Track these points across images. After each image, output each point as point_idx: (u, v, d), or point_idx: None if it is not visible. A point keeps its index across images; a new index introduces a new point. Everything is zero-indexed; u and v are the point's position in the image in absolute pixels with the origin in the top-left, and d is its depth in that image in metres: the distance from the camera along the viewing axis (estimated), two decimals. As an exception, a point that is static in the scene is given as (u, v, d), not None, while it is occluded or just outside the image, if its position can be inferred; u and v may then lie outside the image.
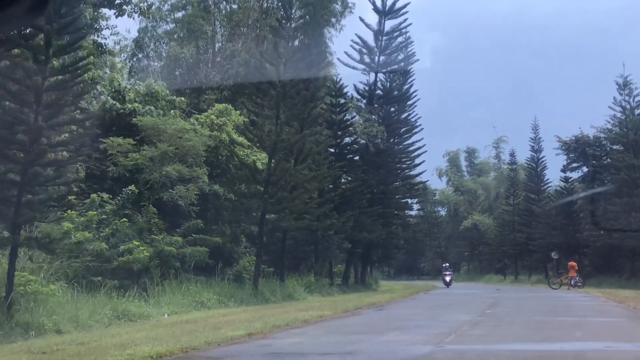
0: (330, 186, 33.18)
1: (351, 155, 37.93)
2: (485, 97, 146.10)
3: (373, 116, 38.48)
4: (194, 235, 25.89)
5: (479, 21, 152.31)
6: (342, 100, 36.34)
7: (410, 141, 43.70)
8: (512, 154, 73.18)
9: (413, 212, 66.05)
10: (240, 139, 28.22)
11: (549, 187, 64.72)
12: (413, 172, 44.53)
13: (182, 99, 29.40)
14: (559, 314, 19.36)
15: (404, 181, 44.29)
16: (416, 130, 43.78)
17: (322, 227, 31.11)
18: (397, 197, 40.84)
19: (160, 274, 22.08)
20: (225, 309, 21.80)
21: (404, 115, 43.59)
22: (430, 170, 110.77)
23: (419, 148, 43.89)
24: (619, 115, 45.20)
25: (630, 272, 47.89)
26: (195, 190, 26.23)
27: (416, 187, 46.19)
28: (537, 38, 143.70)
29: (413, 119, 43.90)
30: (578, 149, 54.97)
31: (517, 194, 69.58)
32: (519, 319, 17.84)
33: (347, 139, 37.23)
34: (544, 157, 64.87)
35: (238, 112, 30.70)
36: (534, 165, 65.42)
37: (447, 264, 49.02)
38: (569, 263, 42.26)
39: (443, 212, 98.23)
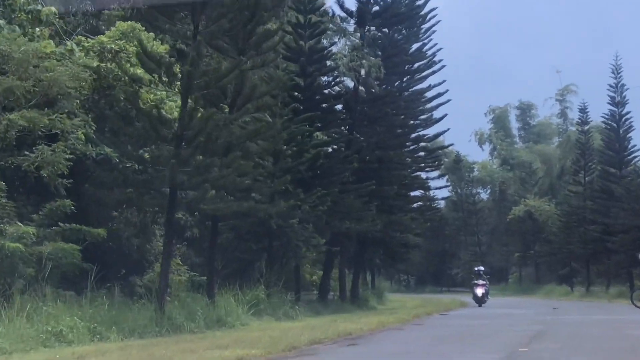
0: (294, 148, 29.76)
1: (330, 103, 34.26)
2: (547, 37, 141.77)
3: (365, 44, 34.97)
4: (62, 225, 22.69)
5: None
6: (316, 19, 32.68)
7: (424, 84, 40.27)
8: (582, 110, 69.68)
9: (434, 193, 61.98)
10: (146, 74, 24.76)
11: (637, 157, 61.43)
12: (428, 133, 41.08)
13: (53, 9, 25.91)
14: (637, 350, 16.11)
15: (416, 145, 40.86)
16: (435, 68, 40.40)
17: (277, 213, 27.72)
18: (401, 168, 37.14)
19: (-2, 287, 19.04)
20: (96, 344, 18.64)
21: (415, 46, 40.17)
22: (467, 133, 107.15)
23: (439, 95, 40.52)
24: None
25: None
26: (66, 153, 22.87)
27: (434, 155, 42.78)
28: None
29: (429, 52, 40.51)
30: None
31: (591, 168, 66.32)
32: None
33: (323, 78, 33.54)
34: (629, 113, 61.72)
35: (152, 34, 27.30)
36: (615, 125, 62.20)
37: (482, 269, 41.82)
38: None
39: (485, 196, 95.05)
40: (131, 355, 16.20)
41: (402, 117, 37.65)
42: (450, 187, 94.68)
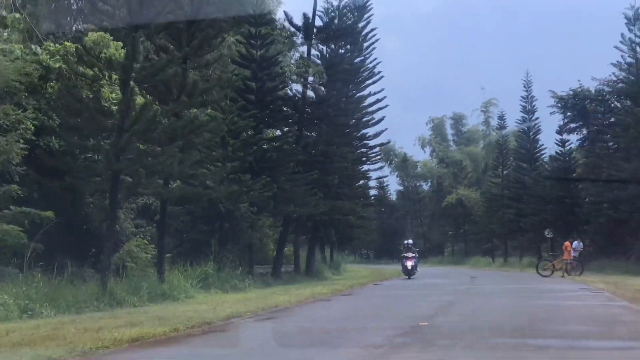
0: (242, 141, 25.69)
1: (277, 104, 30.11)
2: (476, 62, 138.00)
3: (310, 55, 30.95)
4: (13, 208, 18.60)
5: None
6: (266, 31, 28.53)
7: (365, 92, 36.24)
8: (501, 117, 66.10)
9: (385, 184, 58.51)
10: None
11: (543, 154, 57.65)
12: (369, 132, 36.99)
13: (17, 15, 21.80)
14: (539, 329, 12.03)
15: (359, 142, 36.87)
16: (375, 78, 36.35)
17: (226, 197, 23.65)
18: (343, 161, 33.01)
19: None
20: (25, 321, 14.55)
21: (358, 60, 36.12)
22: (412, 140, 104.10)
23: (378, 101, 36.46)
24: (627, 57, 37.63)
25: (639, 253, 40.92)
26: (20, 144, 18.76)
27: (375, 151, 38.77)
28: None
29: (371, 65, 36.50)
30: (577, 106, 47.69)
31: (507, 164, 62.73)
32: (462, 345, 10.59)
33: (273, 83, 29.33)
34: (537, 119, 57.94)
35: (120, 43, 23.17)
36: (526, 128, 58.32)
37: (410, 242, 34.34)
38: (565, 243, 34.95)
39: (426, 187, 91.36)
40: (37, 331, 12.21)
41: (344, 117, 33.37)
42: (399, 181, 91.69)
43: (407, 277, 32.27)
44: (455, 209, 74.35)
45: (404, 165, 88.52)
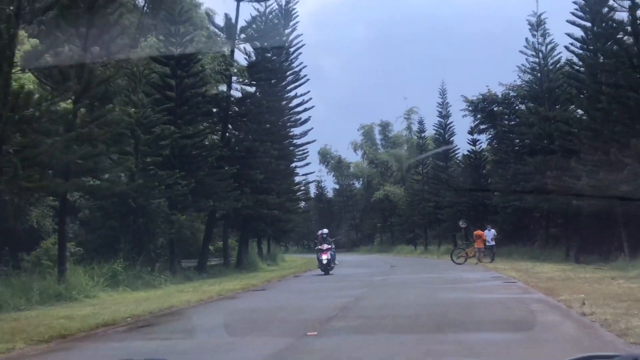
0: (156, 134, 21.34)
1: (197, 100, 25.72)
2: (401, 76, 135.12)
3: (232, 54, 26.76)
4: None
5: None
6: (184, 30, 24.28)
7: (291, 94, 32.24)
8: (420, 122, 63.15)
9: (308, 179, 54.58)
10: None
11: (457, 153, 54.59)
12: (295, 131, 32.97)
13: None
14: (448, 341, 8.17)
15: (284, 140, 32.81)
16: (301, 81, 32.41)
17: (134, 190, 19.32)
18: (265, 156, 28.89)
19: None
20: None
21: (284, 63, 32.11)
22: (346, 144, 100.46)
23: (304, 102, 32.54)
24: (531, 59, 34.40)
25: (545, 240, 37.86)
26: None
27: (301, 149, 34.78)
28: (454, 26, 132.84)
29: (297, 68, 32.55)
30: (485, 109, 44.53)
31: (426, 163, 59.76)
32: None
33: (191, 80, 25.03)
34: (451, 122, 54.97)
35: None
36: (442, 131, 55.26)
37: (325, 232, 25.44)
38: (475, 232, 31.35)
39: (358, 185, 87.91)
40: None
41: (268, 115, 29.19)
42: (335, 180, 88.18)
43: (323, 273, 23.75)
44: (382, 204, 71.23)
45: (338, 166, 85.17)
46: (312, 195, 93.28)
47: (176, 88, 23.99)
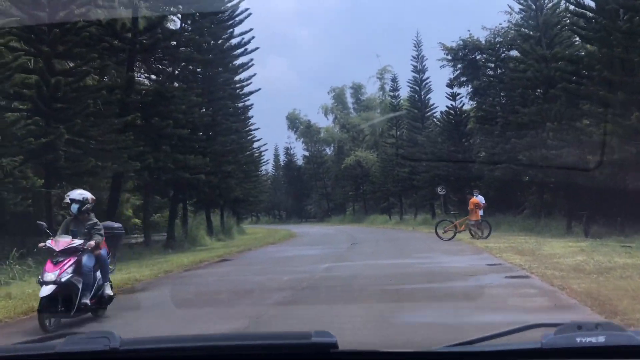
0: None
1: (80, 27, 18.61)
2: (372, 33, 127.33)
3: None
4: None
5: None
6: None
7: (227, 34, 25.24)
8: (393, 80, 56.30)
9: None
10: None
11: (434, 112, 48.16)
12: (234, 77, 26.01)
13: None
14: None
15: (220, 91, 25.84)
16: (242, 16, 25.46)
17: None
18: (182, 103, 21.80)
19: None
20: None
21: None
22: (315, 108, 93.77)
23: (246, 43, 25.65)
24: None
25: (537, 208, 31.78)
26: None
27: (243, 101, 27.87)
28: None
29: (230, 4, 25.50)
30: (467, 57, 37.99)
31: (401, 125, 53.31)
32: None
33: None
34: (427, 78, 48.57)
35: None
36: (417, 88, 48.82)
37: (72, 196, 8.46)
38: (471, 200, 23.40)
39: (330, 152, 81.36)
40: None
41: (189, 52, 22.00)
42: (304, 146, 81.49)
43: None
44: (354, 170, 64.77)
45: (308, 131, 78.50)
46: (272, 162, 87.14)
47: (48, 7, 16.96)
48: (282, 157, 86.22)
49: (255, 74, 27.28)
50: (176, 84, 22.05)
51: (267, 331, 6.18)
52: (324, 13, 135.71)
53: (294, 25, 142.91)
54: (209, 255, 18.62)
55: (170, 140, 20.41)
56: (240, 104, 29.00)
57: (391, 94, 57.20)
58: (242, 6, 25.63)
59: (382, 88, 74.11)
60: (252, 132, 34.51)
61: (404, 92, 55.60)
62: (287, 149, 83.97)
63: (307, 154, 79.95)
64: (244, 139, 30.79)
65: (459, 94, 39.00)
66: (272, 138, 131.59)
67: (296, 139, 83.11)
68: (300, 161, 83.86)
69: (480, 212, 22.78)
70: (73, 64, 16.82)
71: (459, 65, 38.15)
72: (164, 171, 20.21)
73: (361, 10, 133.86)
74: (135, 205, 27.51)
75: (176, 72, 21.59)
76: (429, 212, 47.08)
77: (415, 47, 48.49)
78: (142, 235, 25.50)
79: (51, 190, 15.17)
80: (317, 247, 21.66)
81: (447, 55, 37.95)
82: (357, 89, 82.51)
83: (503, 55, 35.86)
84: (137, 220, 25.22)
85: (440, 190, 36.85)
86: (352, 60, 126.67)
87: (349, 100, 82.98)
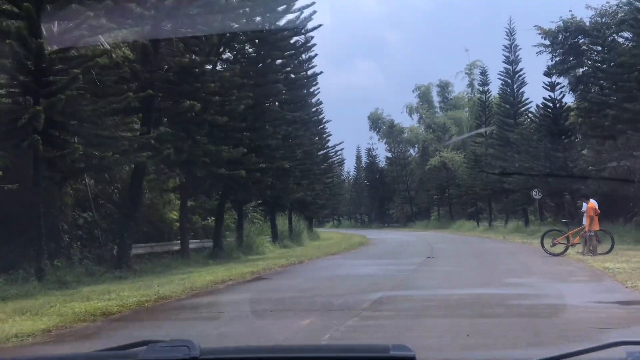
0: None
1: None
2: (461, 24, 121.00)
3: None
4: None
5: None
6: None
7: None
8: (483, 73, 50.95)
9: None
10: None
11: (529, 107, 42.73)
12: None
13: None
14: None
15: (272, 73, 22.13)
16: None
17: None
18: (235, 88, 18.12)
19: None
20: None
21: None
22: (399, 107, 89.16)
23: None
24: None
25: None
26: None
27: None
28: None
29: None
30: (567, 41, 32.63)
31: (490, 122, 48.05)
32: None
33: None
34: (521, 70, 43.17)
35: None
36: (510, 81, 43.51)
37: None
38: (588, 205, 18.01)
39: (414, 153, 76.60)
40: None
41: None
42: (387, 147, 77.11)
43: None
44: (439, 172, 59.85)
45: (390, 131, 74.17)
46: (354, 164, 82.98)
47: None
48: (364, 159, 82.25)
49: (316, 55, 23.45)
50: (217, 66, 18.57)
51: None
52: (411, 14, 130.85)
53: (383, 29, 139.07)
54: (248, 270, 14.95)
55: (200, 128, 16.86)
56: (302, 92, 25.29)
57: (480, 88, 51.82)
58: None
59: (470, 84, 68.85)
60: (323, 129, 30.82)
61: (495, 87, 50.55)
62: (369, 150, 80.00)
63: (389, 155, 75.62)
64: (303, 132, 26.97)
65: (558, 83, 33.67)
66: (354, 140, 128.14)
67: (378, 139, 79.16)
68: (382, 163, 79.69)
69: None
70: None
71: (558, 51, 32.82)
72: (196, 165, 16.81)
73: (449, 7, 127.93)
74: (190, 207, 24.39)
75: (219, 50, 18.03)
76: (522, 219, 41.85)
77: (507, 35, 43.44)
78: (195, 241, 22.39)
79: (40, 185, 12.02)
80: (382, 262, 17.57)
81: (544, 38, 32.71)
82: (443, 87, 77.65)
83: (610, 38, 30.43)
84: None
85: (536, 194, 31.93)
86: (439, 57, 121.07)
87: (435, 98, 78.20)
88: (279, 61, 22.38)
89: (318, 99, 41.07)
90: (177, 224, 22.14)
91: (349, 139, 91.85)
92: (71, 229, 16.35)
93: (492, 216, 48.71)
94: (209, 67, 16.98)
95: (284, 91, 21.93)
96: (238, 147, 17.92)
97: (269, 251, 26.45)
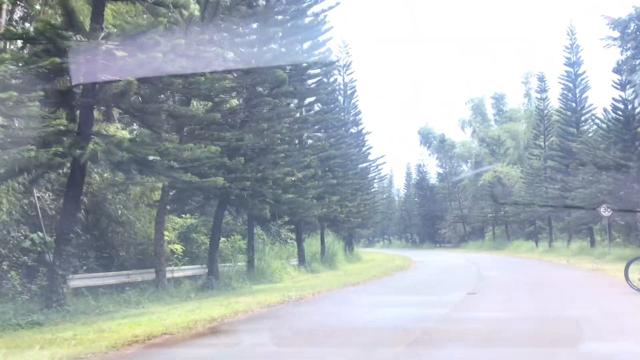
0: None
1: None
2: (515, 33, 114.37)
3: None
4: None
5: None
6: None
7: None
8: (540, 79, 45.83)
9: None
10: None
11: (593, 112, 37.51)
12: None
13: None
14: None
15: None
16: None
17: None
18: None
19: None
20: None
21: None
22: (449, 121, 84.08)
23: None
24: None
25: None
26: None
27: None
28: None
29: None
30: (641, 32, 27.67)
31: (549, 132, 42.97)
32: None
33: None
34: (584, 72, 38.13)
35: None
36: (571, 85, 38.51)
37: None
38: None
39: (467, 168, 71.44)
40: None
41: None
42: (439, 163, 72.13)
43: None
44: (493, 188, 54.58)
45: (442, 146, 69.31)
46: (404, 180, 78.08)
47: None
48: (414, 176, 77.54)
49: (331, 37, 19.47)
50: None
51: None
52: (464, 24, 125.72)
53: (432, 40, 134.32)
54: (207, 316, 10.64)
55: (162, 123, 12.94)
56: (310, 83, 21.24)
57: (538, 95, 46.64)
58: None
59: (527, 95, 63.47)
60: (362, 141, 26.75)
61: (554, 95, 45.40)
62: (419, 165, 75.22)
63: (440, 170, 70.70)
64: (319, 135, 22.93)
65: (629, 81, 28.57)
66: (404, 156, 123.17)
67: (429, 155, 74.46)
68: (433, 179, 74.71)
69: None
70: None
71: (629, 44, 27.85)
72: (154, 170, 12.87)
73: (504, 14, 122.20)
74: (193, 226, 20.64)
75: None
76: (587, 239, 36.55)
77: (569, 34, 38.58)
78: (181, 267, 18.44)
79: None
80: (405, 300, 13.18)
81: (613, 28, 27.80)
82: (498, 99, 72.74)
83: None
84: (177, 247, 18.34)
85: (605, 211, 26.85)
86: (493, 68, 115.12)
87: (489, 111, 73.09)
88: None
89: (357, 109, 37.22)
90: (175, 246, 18.46)
91: (399, 156, 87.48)
92: (11, 253, 12.83)
93: (552, 236, 43.27)
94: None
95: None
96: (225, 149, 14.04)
97: (288, 278, 22.42)
